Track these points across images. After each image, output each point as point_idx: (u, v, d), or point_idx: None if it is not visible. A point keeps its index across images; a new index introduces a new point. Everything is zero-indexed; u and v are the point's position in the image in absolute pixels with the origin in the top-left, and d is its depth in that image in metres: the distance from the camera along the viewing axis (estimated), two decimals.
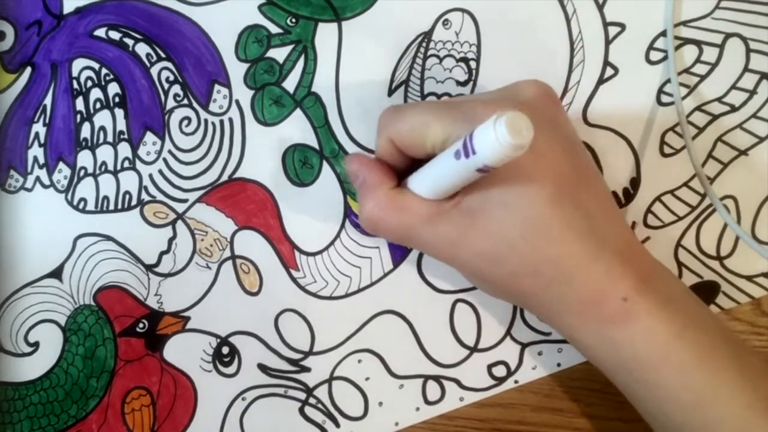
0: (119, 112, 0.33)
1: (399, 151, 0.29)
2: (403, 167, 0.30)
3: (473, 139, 0.23)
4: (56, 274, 0.34)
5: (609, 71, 0.33)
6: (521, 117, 0.22)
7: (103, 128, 0.33)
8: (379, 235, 0.29)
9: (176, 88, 0.33)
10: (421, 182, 0.28)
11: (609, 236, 0.27)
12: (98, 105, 0.33)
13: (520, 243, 0.26)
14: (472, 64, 0.33)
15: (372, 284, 0.34)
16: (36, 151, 0.33)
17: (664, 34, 0.33)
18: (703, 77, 0.33)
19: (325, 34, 0.33)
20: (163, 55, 0.33)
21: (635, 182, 0.34)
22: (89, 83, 0.33)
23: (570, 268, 0.26)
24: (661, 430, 0.28)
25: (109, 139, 0.34)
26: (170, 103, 0.33)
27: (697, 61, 0.33)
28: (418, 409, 0.34)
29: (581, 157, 0.28)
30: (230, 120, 0.33)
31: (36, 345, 0.34)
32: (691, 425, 0.27)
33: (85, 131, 0.33)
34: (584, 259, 0.26)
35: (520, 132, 0.22)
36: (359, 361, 0.34)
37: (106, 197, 0.34)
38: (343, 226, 0.34)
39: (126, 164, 0.34)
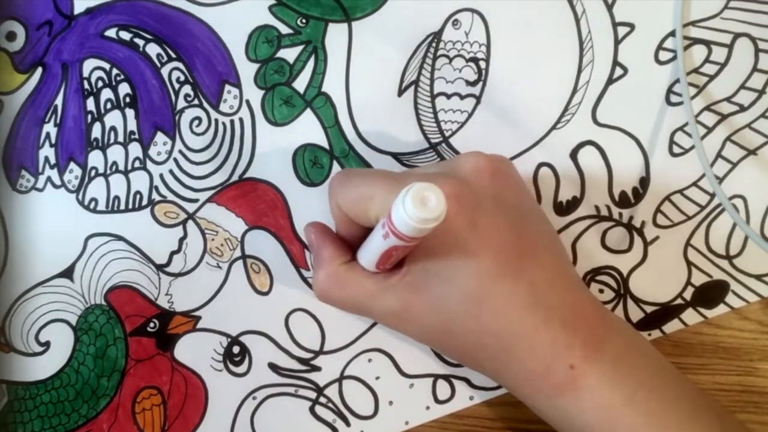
0: (130, 113, 0.34)
1: (349, 218, 0.29)
2: (357, 234, 0.30)
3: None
4: (67, 273, 0.34)
5: (618, 71, 0.33)
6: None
7: (113, 128, 0.34)
8: (333, 306, 0.30)
9: (187, 89, 0.33)
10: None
11: (554, 306, 0.27)
12: (109, 105, 0.33)
13: (464, 317, 0.27)
14: (482, 64, 0.33)
15: None
16: (47, 151, 0.34)
17: (673, 34, 0.33)
18: (712, 77, 0.33)
19: (335, 34, 0.33)
20: (173, 56, 0.33)
21: (644, 182, 0.34)
22: (100, 83, 0.33)
23: (514, 340, 0.27)
24: None
25: (120, 139, 0.34)
26: (181, 103, 0.33)
27: (706, 61, 0.33)
28: (428, 408, 0.35)
29: (527, 228, 0.28)
30: (240, 120, 0.34)
31: (47, 344, 0.34)
32: None
33: (96, 131, 0.34)
34: (528, 330, 0.26)
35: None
36: (369, 360, 0.34)
37: (116, 197, 0.34)
38: None
39: (137, 164, 0.34)
